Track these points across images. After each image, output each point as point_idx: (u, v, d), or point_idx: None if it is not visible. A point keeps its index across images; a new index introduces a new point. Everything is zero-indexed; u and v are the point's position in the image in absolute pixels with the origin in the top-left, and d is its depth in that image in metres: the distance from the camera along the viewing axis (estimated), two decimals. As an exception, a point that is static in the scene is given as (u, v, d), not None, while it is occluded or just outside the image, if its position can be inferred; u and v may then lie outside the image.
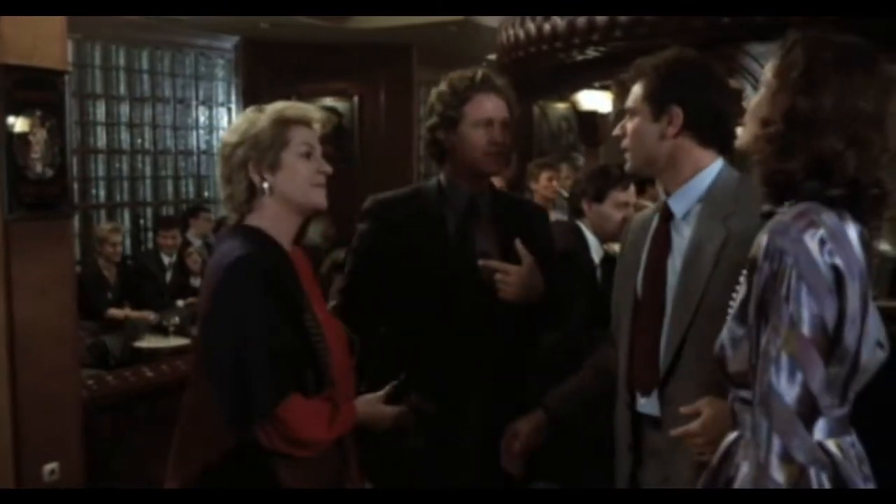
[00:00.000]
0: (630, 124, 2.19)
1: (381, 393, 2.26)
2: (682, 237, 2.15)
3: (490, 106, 2.54)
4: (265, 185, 2.09)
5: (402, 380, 2.29)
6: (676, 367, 2.09)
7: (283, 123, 2.11)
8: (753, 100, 1.75)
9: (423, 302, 2.49)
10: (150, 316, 6.30)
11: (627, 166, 2.26)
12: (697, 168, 2.14)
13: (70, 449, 3.72)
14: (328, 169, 2.16)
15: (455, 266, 2.52)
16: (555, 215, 5.68)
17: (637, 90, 2.18)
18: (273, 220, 2.11)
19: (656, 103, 2.13)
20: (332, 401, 2.06)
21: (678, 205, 2.16)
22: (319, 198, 2.15)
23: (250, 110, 2.18)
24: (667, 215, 2.19)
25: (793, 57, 1.65)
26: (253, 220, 2.11)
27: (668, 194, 2.20)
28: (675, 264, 2.14)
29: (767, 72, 1.72)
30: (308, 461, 2.01)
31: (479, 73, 2.56)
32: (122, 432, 4.04)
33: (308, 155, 2.13)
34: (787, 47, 1.68)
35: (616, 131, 2.25)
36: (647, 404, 2.18)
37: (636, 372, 2.20)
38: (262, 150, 2.09)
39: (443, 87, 2.59)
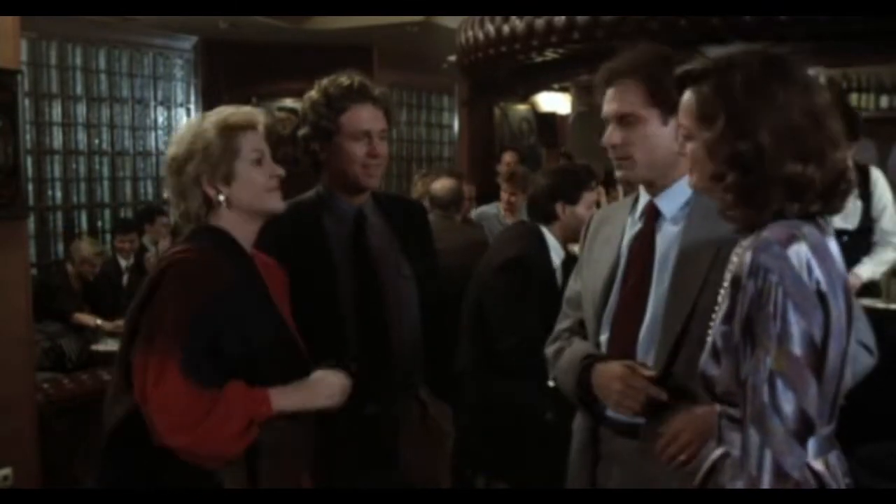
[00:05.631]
0: (626, 132, 2.06)
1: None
2: (667, 238, 2.07)
3: (367, 117, 2.44)
4: (221, 197, 2.07)
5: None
6: (668, 375, 1.99)
7: (229, 130, 2.08)
8: (689, 147, 1.68)
9: (316, 320, 2.33)
10: (108, 325, 6.24)
11: (630, 175, 2.11)
12: (685, 167, 2.01)
13: (24, 453, 3.67)
14: (280, 172, 2.14)
15: (347, 277, 2.45)
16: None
17: (633, 93, 2.04)
18: (233, 226, 2.10)
19: (665, 104, 1.98)
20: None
21: (667, 205, 2.08)
22: (276, 202, 2.14)
23: (193, 120, 2.16)
24: (653, 215, 2.10)
25: (709, 104, 1.63)
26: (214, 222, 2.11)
27: (652, 194, 2.10)
28: (659, 266, 2.05)
29: (687, 119, 1.67)
30: None
31: (356, 82, 2.45)
32: (79, 435, 3.99)
33: (259, 161, 2.11)
34: (699, 93, 1.65)
35: (613, 140, 2.09)
36: None
37: None
38: (214, 164, 2.05)
39: (315, 94, 2.48)
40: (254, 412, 1.94)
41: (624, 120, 2.07)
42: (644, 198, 2.15)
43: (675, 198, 2.07)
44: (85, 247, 6.56)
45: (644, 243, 2.11)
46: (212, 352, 1.93)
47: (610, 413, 2.11)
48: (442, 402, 2.64)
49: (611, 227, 2.24)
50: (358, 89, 2.45)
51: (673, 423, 1.92)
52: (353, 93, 2.44)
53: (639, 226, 2.14)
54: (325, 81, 2.50)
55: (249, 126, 2.11)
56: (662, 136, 2.03)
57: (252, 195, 2.09)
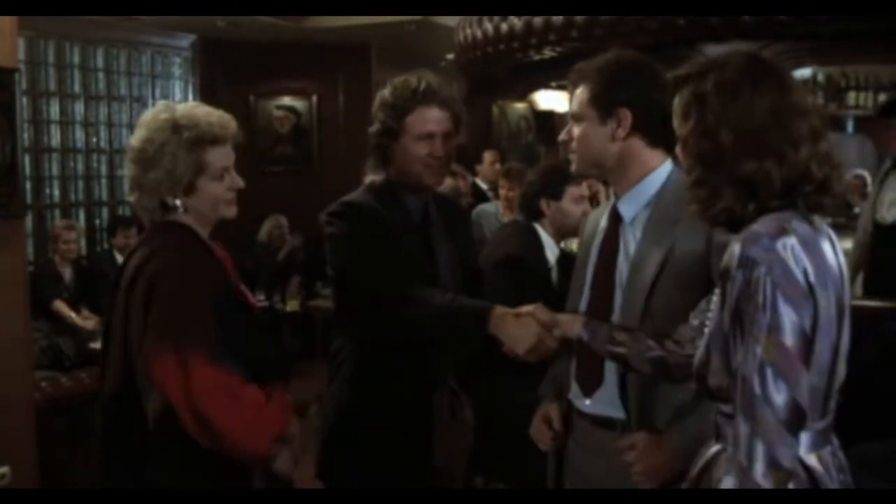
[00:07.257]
0: (577, 129, 2.19)
1: None
2: (631, 240, 2.16)
3: (432, 119, 2.51)
4: (177, 202, 2.12)
5: None
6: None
7: (199, 146, 2.11)
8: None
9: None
10: (80, 320, 6.23)
11: (573, 168, 2.26)
12: (646, 170, 2.16)
13: (22, 452, 3.66)
14: (240, 184, 2.19)
15: (423, 268, 2.55)
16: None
17: (581, 95, 2.18)
18: (192, 223, 2.17)
19: (603, 106, 2.13)
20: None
21: (627, 209, 2.18)
22: (229, 211, 2.21)
23: (161, 117, 2.12)
24: (616, 218, 2.20)
25: (686, 105, 1.69)
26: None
27: (617, 196, 2.21)
28: (622, 267, 2.15)
29: (675, 119, 1.74)
30: None
31: (423, 84, 2.52)
32: (77, 434, 3.99)
33: (222, 175, 2.15)
34: (682, 94, 1.70)
35: (562, 137, 2.25)
36: (593, 405, 2.20)
37: (582, 372, 2.23)
38: (176, 181, 2.09)
39: (387, 93, 2.56)
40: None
41: (574, 118, 2.21)
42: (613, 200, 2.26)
43: (634, 201, 2.17)
44: (56, 225, 6.66)
45: (608, 245, 2.21)
46: (225, 344, 2.00)
47: (587, 408, 2.21)
48: (465, 394, 2.73)
49: (589, 227, 2.36)
50: (424, 91, 2.52)
51: (637, 451, 2.03)
52: (418, 95, 2.51)
53: (605, 228, 2.25)
54: (396, 81, 2.57)
55: (221, 141, 2.14)
56: (596, 134, 2.15)
57: (208, 206, 2.16)
